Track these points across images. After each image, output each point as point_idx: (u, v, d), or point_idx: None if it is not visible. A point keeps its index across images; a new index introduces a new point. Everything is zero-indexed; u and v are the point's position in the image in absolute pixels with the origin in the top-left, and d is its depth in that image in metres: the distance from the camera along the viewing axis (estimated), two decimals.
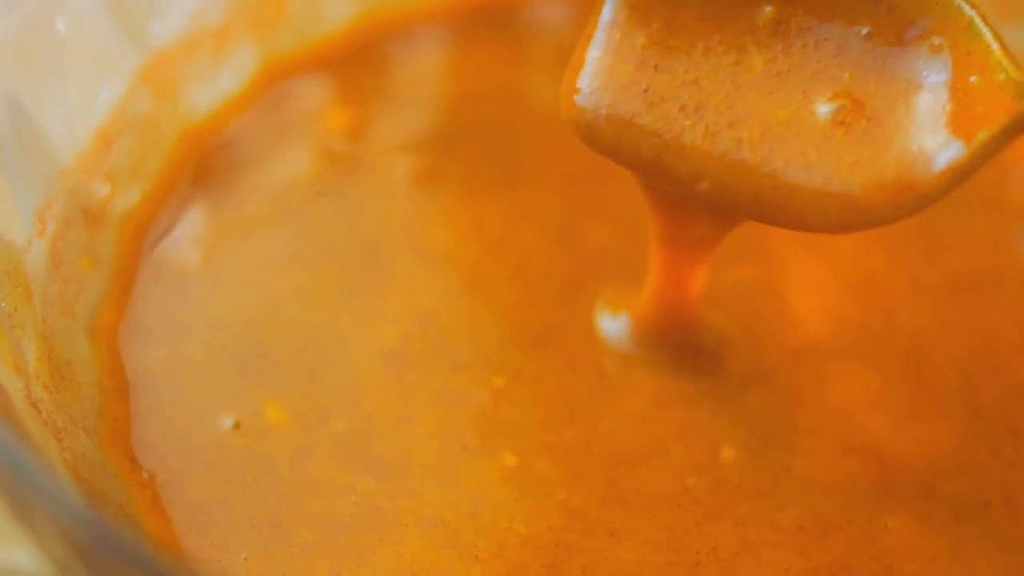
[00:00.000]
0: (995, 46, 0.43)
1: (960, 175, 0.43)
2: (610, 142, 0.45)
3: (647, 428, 0.50)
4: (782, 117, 0.44)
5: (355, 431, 0.50)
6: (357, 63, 0.60)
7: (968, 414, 0.51)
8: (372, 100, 0.59)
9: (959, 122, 0.43)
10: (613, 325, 0.53)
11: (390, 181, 0.57)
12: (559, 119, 0.50)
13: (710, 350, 0.52)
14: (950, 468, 0.50)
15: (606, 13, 0.46)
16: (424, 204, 0.57)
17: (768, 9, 0.45)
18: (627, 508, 0.48)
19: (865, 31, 0.44)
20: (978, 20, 0.43)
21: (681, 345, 0.52)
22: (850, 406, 0.51)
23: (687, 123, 0.45)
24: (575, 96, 0.46)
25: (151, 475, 0.49)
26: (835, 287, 0.55)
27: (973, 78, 0.43)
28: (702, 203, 0.46)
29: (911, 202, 0.43)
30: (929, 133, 0.43)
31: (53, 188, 0.52)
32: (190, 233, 0.55)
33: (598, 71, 0.45)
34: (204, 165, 0.57)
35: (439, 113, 0.59)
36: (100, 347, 0.52)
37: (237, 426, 0.50)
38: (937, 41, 0.43)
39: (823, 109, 0.44)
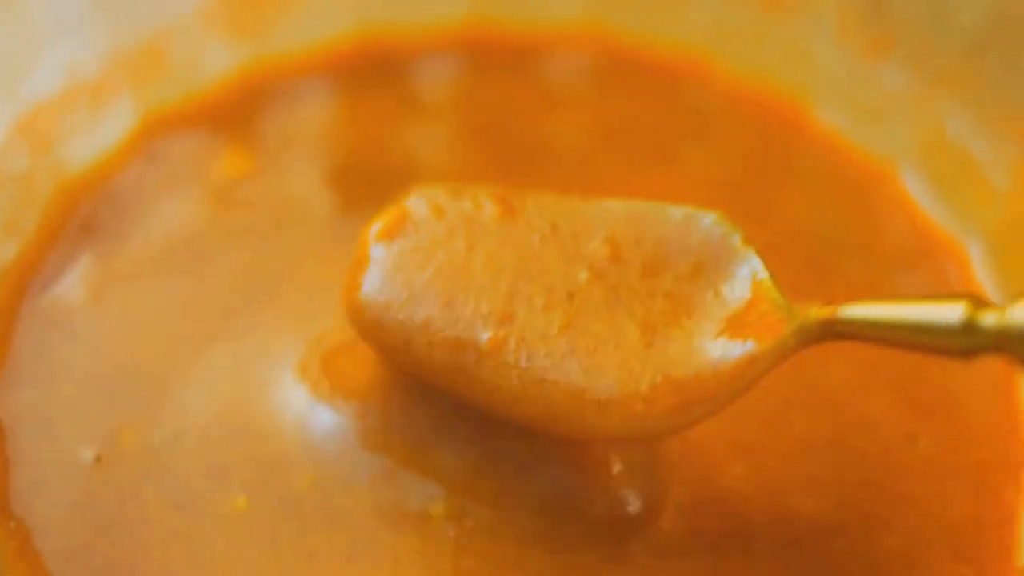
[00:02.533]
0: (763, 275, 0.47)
1: (732, 387, 0.45)
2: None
3: None
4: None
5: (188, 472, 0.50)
6: (239, 113, 0.60)
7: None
8: (255, 150, 0.60)
9: (735, 335, 0.46)
10: None
11: (271, 228, 0.57)
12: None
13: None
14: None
15: None
16: (303, 249, 0.57)
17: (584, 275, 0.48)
18: None
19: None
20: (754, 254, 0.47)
21: None
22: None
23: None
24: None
25: (19, 523, 0.49)
26: None
27: (746, 296, 0.47)
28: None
29: (679, 407, 0.45)
30: (707, 344, 0.46)
31: None
32: (70, 281, 0.55)
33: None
34: (84, 216, 0.57)
35: (322, 161, 0.60)
36: None
37: (98, 459, 0.51)
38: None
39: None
